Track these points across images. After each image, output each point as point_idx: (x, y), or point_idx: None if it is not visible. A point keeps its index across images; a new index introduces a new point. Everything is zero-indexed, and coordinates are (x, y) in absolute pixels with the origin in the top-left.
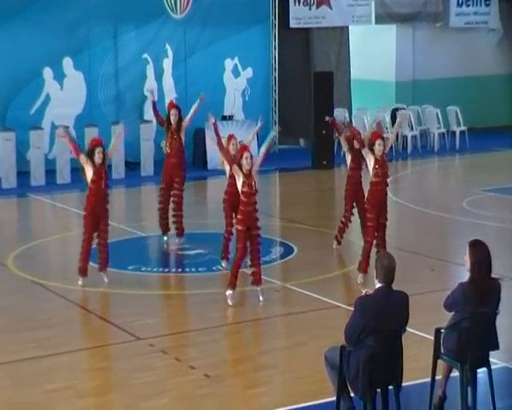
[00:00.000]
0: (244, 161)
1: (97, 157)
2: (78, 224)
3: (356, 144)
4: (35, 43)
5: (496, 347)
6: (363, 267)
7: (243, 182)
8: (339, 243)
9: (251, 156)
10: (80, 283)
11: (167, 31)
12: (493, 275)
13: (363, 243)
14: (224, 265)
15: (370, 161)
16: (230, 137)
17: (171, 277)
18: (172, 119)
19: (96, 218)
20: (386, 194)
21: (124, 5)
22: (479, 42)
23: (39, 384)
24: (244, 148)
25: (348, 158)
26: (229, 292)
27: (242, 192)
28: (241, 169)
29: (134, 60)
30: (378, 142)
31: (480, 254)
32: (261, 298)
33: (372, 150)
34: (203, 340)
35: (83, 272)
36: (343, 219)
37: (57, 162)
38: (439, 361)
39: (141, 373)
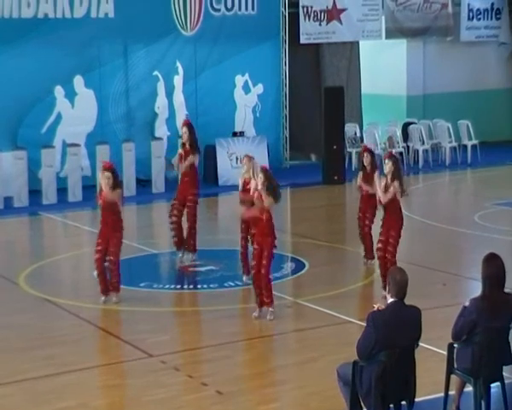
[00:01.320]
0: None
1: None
2: (89, 241)
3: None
4: (46, 61)
5: (510, 361)
6: None
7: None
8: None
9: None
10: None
11: (178, 48)
12: (506, 290)
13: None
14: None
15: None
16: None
17: (183, 294)
18: (184, 137)
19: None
20: None
21: (134, 23)
22: (489, 56)
23: (52, 402)
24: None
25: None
26: (271, 310)
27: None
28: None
29: (145, 77)
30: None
31: (491, 268)
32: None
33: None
34: (215, 356)
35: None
36: None
37: (69, 180)
38: (453, 376)
39: (153, 390)
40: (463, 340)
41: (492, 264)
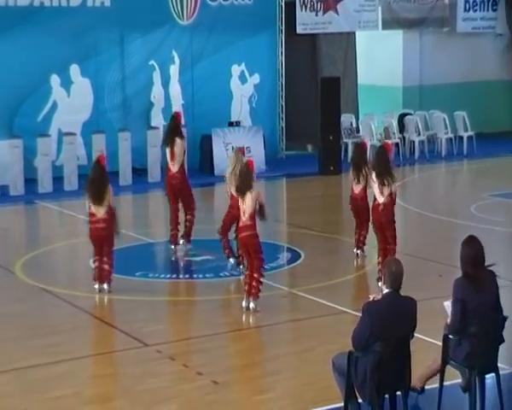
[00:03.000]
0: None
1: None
2: (85, 230)
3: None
4: (42, 50)
5: (502, 340)
6: None
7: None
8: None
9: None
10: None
11: (174, 37)
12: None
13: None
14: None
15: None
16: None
17: (179, 283)
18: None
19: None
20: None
21: (130, 12)
22: (486, 47)
23: (47, 391)
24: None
25: None
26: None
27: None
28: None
29: (141, 66)
30: None
31: (472, 248)
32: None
33: None
34: (210, 346)
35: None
36: None
37: (64, 169)
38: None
39: (148, 380)
40: (459, 331)
41: (473, 245)
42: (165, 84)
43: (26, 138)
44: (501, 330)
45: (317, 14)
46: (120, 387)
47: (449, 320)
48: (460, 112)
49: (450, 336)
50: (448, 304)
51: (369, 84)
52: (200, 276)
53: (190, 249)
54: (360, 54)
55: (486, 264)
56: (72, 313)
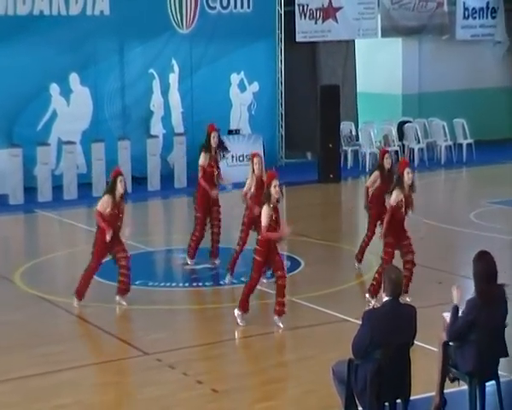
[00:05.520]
0: (273, 190)
1: (119, 186)
2: (85, 239)
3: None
4: (41, 59)
5: (505, 354)
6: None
7: (270, 215)
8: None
9: (280, 185)
10: (75, 304)
11: (173, 46)
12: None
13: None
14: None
15: None
16: (254, 155)
17: (179, 291)
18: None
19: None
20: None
21: (129, 21)
22: (485, 54)
23: (47, 400)
24: (272, 176)
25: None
26: (238, 313)
27: (269, 226)
28: (269, 200)
29: (140, 75)
30: (407, 170)
31: (484, 264)
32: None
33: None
34: (210, 354)
35: (80, 295)
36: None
37: (64, 178)
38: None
39: (148, 388)
40: (460, 339)
41: (485, 260)
42: (165, 92)
43: (25, 147)
44: (503, 339)
45: (316, 23)
46: (121, 395)
47: (444, 334)
48: (459, 119)
49: (450, 343)
50: (447, 315)
51: (369, 92)
52: (200, 284)
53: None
54: (359, 62)
55: (501, 282)
56: (72, 322)
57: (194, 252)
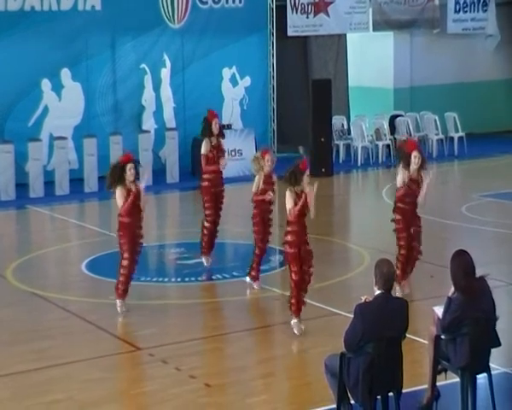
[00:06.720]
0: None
1: (129, 174)
2: (77, 235)
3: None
4: (33, 54)
5: (498, 344)
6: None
7: (294, 198)
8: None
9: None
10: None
11: (165, 41)
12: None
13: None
14: (255, 286)
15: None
16: (265, 152)
17: (171, 286)
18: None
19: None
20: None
21: (121, 16)
22: (476, 48)
23: (39, 396)
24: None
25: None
26: (294, 321)
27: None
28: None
29: (132, 70)
30: (414, 154)
31: (463, 261)
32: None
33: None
34: (203, 349)
35: (123, 294)
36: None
37: (56, 174)
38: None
39: (141, 383)
40: (451, 332)
41: (460, 257)
42: (157, 87)
43: (17, 143)
44: (494, 331)
45: (307, 17)
46: (113, 391)
47: (434, 328)
48: (451, 113)
49: (442, 337)
50: (438, 309)
51: (361, 86)
52: (193, 279)
53: (183, 252)
54: (351, 56)
55: (480, 274)
56: (64, 318)
57: (209, 248)
